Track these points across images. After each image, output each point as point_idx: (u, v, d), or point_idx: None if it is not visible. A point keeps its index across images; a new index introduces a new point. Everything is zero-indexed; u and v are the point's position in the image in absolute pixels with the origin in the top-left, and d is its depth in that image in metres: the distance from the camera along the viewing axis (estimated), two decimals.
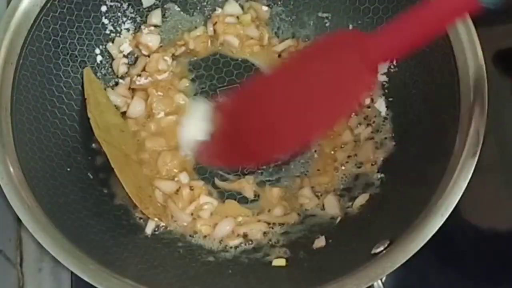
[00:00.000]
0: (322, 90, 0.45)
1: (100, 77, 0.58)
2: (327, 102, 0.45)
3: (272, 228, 0.53)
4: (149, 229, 0.51)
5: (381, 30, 0.42)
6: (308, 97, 0.45)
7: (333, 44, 0.46)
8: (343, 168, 0.55)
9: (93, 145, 0.55)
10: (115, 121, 0.55)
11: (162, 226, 0.52)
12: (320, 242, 0.50)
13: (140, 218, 0.52)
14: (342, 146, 0.56)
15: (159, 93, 0.57)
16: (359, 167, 0.54)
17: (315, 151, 0.56)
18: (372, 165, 0.54)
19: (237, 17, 0.62)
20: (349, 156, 0.55)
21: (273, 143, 0.48)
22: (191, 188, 0.54)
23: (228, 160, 0.52)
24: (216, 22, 0.62)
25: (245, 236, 0.52)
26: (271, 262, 0.50)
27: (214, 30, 0.62)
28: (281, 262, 0.49)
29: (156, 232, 0.52)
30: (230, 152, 0.50)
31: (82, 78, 0.56)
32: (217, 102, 0.58)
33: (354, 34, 0.47)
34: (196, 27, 0.62)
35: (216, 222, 0.53)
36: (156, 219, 0.51)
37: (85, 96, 0.55)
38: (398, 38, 0.41)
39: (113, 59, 0.59)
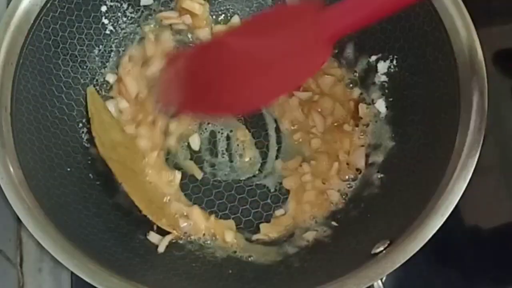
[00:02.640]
0: (273, 60, 0.44)
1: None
2: (277, 71, 0.44)
3: None
4: (161, 248, 0.50)
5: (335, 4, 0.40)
6: (258, 65, 0.44)
7: (286, 16, 0.45)
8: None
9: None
10: (120, 138, 0.55)
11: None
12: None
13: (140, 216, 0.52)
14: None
15: None
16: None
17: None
18: (356, 170, 0.55)
19: None
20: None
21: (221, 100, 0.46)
22: None
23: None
24: None
25: None
26: (271, 262, 0.50)
27: None
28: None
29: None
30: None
31: (82, 78, 0.56)
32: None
33: (307, 7, 0.45)
34: None
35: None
36: (170, 230, 0.51)
37: (89, 116, 0.55)
38: (354, 11, 0.39)
39: None
